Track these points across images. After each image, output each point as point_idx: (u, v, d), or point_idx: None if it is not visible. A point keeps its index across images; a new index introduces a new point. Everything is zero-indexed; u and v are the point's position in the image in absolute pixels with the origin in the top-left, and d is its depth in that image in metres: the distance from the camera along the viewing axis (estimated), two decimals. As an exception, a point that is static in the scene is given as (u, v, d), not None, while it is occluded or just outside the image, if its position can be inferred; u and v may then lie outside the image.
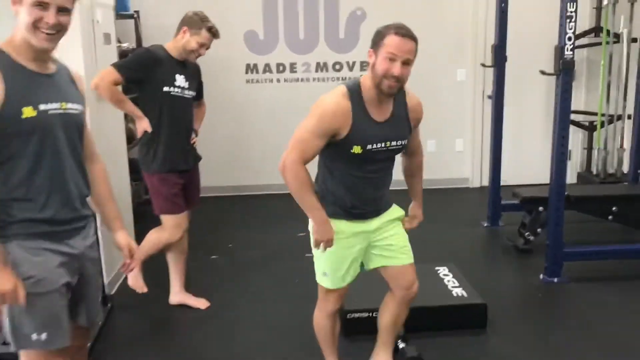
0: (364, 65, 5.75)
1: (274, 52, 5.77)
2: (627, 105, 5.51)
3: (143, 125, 3.07)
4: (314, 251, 2.41)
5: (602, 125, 5.66)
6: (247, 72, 5.78)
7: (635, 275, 3.84)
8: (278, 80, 5.82)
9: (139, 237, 4.09)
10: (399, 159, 2.45)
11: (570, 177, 6.08)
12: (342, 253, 2.35)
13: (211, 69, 5.55)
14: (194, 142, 3.29)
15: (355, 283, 2.48)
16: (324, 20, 5.74)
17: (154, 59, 3.03)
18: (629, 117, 5.34)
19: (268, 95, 5.81)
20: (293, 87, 5.81)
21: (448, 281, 3.35)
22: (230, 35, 5.63)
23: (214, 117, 5.53)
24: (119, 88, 3.09)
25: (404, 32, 2.10)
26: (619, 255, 3.91)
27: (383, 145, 2.23)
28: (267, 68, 5.79)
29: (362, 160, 2.24)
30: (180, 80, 3.09)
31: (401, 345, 2.80)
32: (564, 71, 3.48)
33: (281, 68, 5.80)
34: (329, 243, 2.26)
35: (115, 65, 3.02)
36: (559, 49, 3.45)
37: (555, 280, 3.71)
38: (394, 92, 2.16)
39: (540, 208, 4.15)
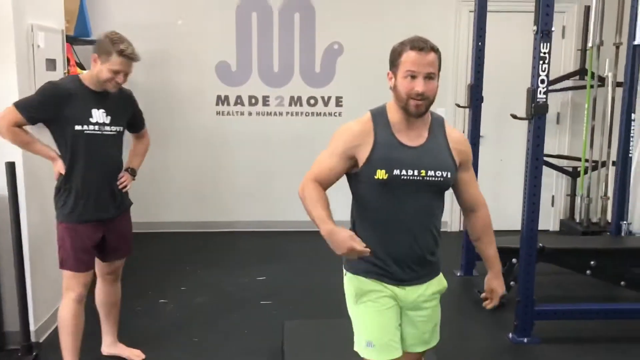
0: (339, 101, 5.51)
1: (246, 84, 5.55)
2: (611, 152, 5.27)
3: (57, 167, 2.72)
4: (352, 315, 2.07)
5: (586, 171, 5.42)
6: (217, 104, 5.54)
7: (613, 337, 3.55)
8: (250, 114, 5.58)
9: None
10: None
11: (553, 225, 5.86)
12: (385, 314, 2.01)
13: (180, 99, 5.42)
14: (124, 185, 2.89)
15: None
16: (299, 53, 5.54)
17: (61, 94, 2.64)
18: (614, 164, 5.10)
19: (238, 128, 5.57)
20: (265, 120, 5.57)
21: (405, 341, 3.05)
22: (201, 65, 5.48)
23: (180, 148, 5.36)
24: (28, 128, 2.71)
25: (422, 45, 1.94)
26: (595, 315, 3.58)
27: (416, 173, 1.94)
28: (238, 100, 5.56)
29: (392, 192, 1.95)
30: (98, 115, 2.70)
31: None
32: (537, 116, 3.25)
33: (253, 101, 5.57)
34: (353, 250, 1.76)
35: (16, 104, 2.66)
36: (531, 92, 3.23)
37: (525, 340, 3.42)
38: (423, 111, 1.96)
39: (514, 260, 3.88)
